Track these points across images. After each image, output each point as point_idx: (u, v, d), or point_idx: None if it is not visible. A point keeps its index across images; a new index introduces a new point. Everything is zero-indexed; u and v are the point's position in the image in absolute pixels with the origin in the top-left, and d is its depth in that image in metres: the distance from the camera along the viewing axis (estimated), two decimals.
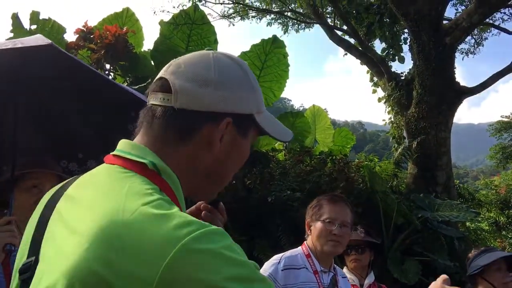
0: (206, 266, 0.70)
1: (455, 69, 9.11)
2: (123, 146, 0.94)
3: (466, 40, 12.10)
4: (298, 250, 2.46)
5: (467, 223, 9.10)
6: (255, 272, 0.75)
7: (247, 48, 8.68)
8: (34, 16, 8.31)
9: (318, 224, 2.40)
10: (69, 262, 0.74)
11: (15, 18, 8.33)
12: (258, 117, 0.99)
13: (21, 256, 0.91)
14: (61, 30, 8.58)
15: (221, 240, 0.75)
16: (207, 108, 0.91)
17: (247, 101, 0.96)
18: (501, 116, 16.79)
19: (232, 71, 0.97)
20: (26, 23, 8.38)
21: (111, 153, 0.94)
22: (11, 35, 8.19)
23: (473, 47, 12.85)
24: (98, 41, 6.78)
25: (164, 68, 0.98)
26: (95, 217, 0.77)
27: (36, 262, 0.85)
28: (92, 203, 0.82)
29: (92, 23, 8.16)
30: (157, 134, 0.92)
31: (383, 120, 10.39)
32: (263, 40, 8.57)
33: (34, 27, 8.28)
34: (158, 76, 0.98)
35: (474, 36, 12.61)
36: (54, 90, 2.04)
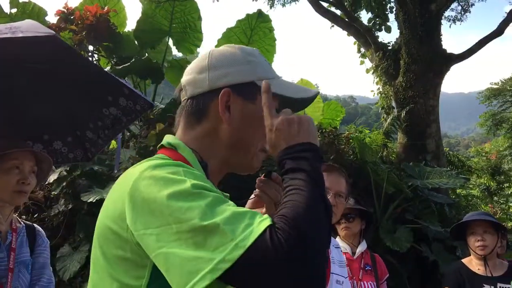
0: (150, 188, 0.88)
1: (441, 36, 9.05)
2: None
3: (453, 7, 11.99)
4: None
5: (458, 190, 9.17)
6: (192, 187, 0.87)
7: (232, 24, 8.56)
8: (14, 0, 8.12)
9: None
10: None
11: None
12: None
13: None
14: (42, 12, 8.39)
15: (170, 167, 0.92)
16: (208, 88, 1.11)
17: (244, 72, 1.12)
18: (490, 83, 16.73)
19: (225, 53, 1.15)
20: (6, 8, 8.20)
21: None
22: None
23: (460, 14, 12.72)
24: (79, 22, 6.64)
25: None
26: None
27: None
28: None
29: (74, 3, 8.00)
30: (184, 124, 1.15)
31: (372, 91, 10.37)
32: (248, 15, 8.42)
33: (14, 10, 8.10)
34: None
35: (460, 3, 12.49)
36: (21, 72, 1.99)
